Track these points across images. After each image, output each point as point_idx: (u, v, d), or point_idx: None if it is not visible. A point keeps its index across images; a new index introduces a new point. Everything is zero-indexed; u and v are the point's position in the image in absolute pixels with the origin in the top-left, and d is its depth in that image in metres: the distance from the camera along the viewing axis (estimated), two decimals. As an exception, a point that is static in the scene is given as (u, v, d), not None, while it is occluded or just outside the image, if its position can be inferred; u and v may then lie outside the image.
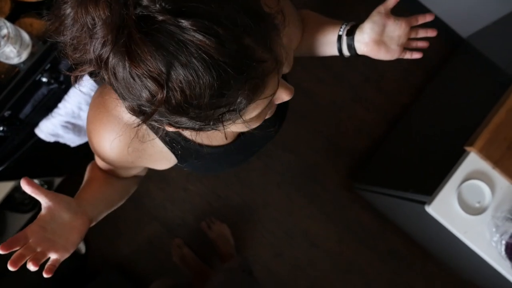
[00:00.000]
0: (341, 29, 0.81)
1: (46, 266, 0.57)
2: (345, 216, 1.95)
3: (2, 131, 1.04)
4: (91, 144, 0.71)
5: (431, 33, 0.79)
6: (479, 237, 1.00)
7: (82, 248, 1.84)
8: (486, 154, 1.00)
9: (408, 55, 0.80)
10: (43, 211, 0.59)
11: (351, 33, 0.79)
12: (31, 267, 0.55)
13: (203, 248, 1.89)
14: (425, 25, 0.80)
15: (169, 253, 1.89)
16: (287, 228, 1.95)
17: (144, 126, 0.66)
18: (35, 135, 1.17)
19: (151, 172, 1.92)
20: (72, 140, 1.26)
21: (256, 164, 1.95)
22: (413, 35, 0.79)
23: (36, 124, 1.15)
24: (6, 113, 1.03)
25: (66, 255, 0.60)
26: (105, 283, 1.71)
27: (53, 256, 0.58)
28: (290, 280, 1.93)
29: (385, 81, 1.97)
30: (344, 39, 0.80)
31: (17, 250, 0.55)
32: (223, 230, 1.86)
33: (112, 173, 0.81)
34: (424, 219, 1.15)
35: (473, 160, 1.02)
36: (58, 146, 1.30)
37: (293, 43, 0.78)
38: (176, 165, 0.79)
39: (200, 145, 0.73)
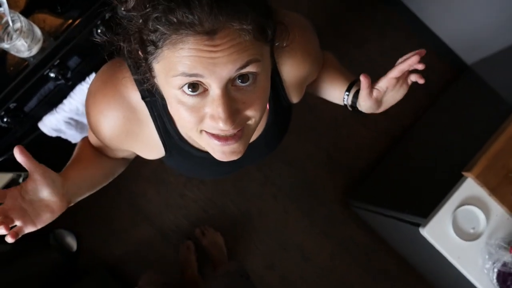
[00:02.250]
0: (347, 94, 0.80)
1: (11, 230, 0.56)
2: (339, 232, 1.95)
3: (6, 122, 1.05)
4: (88, 117, 0.71)
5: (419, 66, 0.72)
6: (472, 263, 1.00)
7: (74, 245, 1.84)
8: (483, 180, 1.00)
9: (412, 78, 0.74)
10: (27, 181, 0.59)
11: (356, 95, 0.78)
12: (8, 237, 0.56)
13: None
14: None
15: (161, 256, 1.89)
16: (281, 240, 1.94)
17: (145, 111, 0.67)
18: (37, 129, 1.18)
19: (149, 175, 1.93)
20: (74, 136, 1.27)
21: (254, 174, 1.96)
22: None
23: (39, 118, 1.16)
24: (12, 105, 1.04)
25: (31, 230, 0.59)
26: (95, 281, 1.70)
27: (19, 224, 0.58)
28: (280, 293, 1.92)
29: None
30: (350, 98, 0.80)
31: None
32: (216, 238, 1.86)
33: (102, 152, 0.81)
34: (418, 241, 1.15)
35: (470, 186, 1.03)
36: (58, 143, 1.31)
37: (308, 80, 0.80)
38: (162, 160, 0.80)
39: (192, 147, 0.74)
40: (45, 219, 0.60)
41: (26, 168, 0.58)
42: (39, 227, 0.60)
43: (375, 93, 0.71)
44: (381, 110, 0.77)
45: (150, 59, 0.53)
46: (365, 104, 0.74)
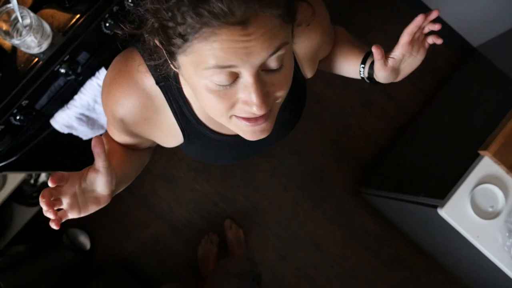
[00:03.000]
0: (363, 67, 0.78)
1: (57, 218, 0.57)
2: (350, 221, 1.95)
3: (19, 120, 1.05)
4: (105, 108, 0.71)
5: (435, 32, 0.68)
6: (492, 242, 1.00)
7: (87, 244, 1.84)
8: (501, 158, 1.00)
9: (429, 40, 0.68)
10: (90, 170, 0.60)
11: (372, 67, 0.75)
12: (53, 225, 0.56)
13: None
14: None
15: (174, 250, 1.89)
16: (293, 231, 1.94)
17: (161, 96, 0.67)
18: (49, 127, 1.18)
19: (158, 172, 1.94)
20: (85, 133, 1.27)
21: (263, 166, 1.96)
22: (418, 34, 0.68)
23: (50, 115, 1.16)
24: (24, 103, 1.04)
25: (75, 216, 0.60)
26: (111, 280, 1.70)
27: (65, 208, 0.58)
28: (294, 283, 1.92)
29: (395, 88, 1.98)
30: (366, 71, 0.78)
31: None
32: (239, 234, 1.88)
33: (126, 145, 0.81)
34: (435, 223, 1.14)
35: (487, 164, 1.02)
36: (69, 140, 1.30)
37: (320, 54, 0.79)
38: (181, 147, 0.79)
39: (210, 129, 0.74)
40: (90, 210, 0.61)
41: (97, 157, 0.58)
42: (82, 215, 0.61)
43: (390, 62, 0.69)
44: (400, 79, 0.74)
45: (177, 51, 0.51)
46: (381, 75, 0.72)
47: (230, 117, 0.56)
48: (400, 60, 0.69)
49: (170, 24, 0.48)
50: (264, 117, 0.56)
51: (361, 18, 2.00)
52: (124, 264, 1.88)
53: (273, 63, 0.51)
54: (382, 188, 1.58)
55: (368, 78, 0.78)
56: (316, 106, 1.97)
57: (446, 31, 1.94)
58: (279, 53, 0.50)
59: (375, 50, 0.67)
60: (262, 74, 0.52)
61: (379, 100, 1.99)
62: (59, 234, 1.81)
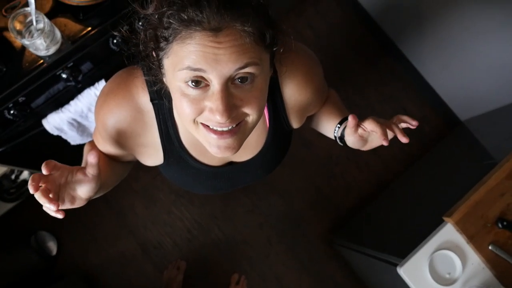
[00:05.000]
0: (338, 126, 0.84)
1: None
2: (320, 270, 1.95)
3: (12, 114, 1.09)
4: (96, 116, 0.74)
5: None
6: (445, 308, 1.01)
7: (54, 249, 1.82)
8: (462, 227, 1.03)
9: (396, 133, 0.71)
10: (81, 172, 0.63)
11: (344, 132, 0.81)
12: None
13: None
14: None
15: (139, 271, 1.87)
16: (261, 271, 1.93)
17: (152, 114, 0.71)
18: (39, 126, 1.21)
19: (139, 189, 1.95)
20: (74, 138, 1.31)
21: (243, 200, 1.98)
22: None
23: (43, 116, 1.20)
24: (20, 99, 1.08)
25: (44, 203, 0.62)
26: (68, 287, 1.67)
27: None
28: (254, 325, 1.89)
29: (382, 146, 2.03)
30: (340, 131, 0.84)
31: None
32: None
33: (108, 155, 0.83)
34: (395, 282, 1.16)
35: (449, 231, 1.06)
36: (57, 144, 1.34)
37: (310, 110, 0.84)
38: (159, 168, 0.82)
39: (191, 156, 0.77)
40: (64, 206, 0.64)
41: (90, 163, 0.62)
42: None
43: (360, 130, 0.73)
44: (366, 149, 0.79)
45: (161, 55, 0.58)
46: (350, 139, 0.77)
47: (198, 124, 0.60)
48: (369, 133, 0.73)
49: (159, 29, 0.56)
50: (230, 132, 0.60)
51: (360, 73, 2.10)
52: (86, 276, 1.85)
53: (242, 79, 0.57)
54: (353, 241, 1.60)
55: (339, 138, 0.83)
56: (304, 151, 2.03)
57: (437, 102, 2.03)
58: (247, 70, 0.56)
59: (350, 118, 0.71)
60: (231, 87, 0.57)
61: (365, 155, 2.04)
62: (29, 235, 1.79)
